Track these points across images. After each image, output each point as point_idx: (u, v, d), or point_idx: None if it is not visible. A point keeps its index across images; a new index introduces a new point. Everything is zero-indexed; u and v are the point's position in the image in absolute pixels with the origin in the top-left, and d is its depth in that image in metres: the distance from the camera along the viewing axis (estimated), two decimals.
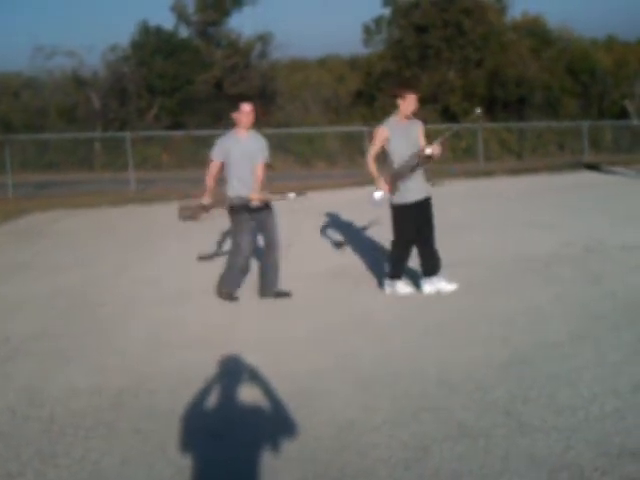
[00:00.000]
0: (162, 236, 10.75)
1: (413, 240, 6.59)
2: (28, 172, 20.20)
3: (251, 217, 6.63)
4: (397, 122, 6.50)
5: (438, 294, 6.58)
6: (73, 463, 3.65)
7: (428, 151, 6.38)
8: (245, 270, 6.85)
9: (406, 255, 6.69)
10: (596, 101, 31.32)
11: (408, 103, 6.42)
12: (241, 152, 6.59)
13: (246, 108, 6.61)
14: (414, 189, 6.48)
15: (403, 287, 6.71)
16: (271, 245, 6.81)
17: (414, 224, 6.52)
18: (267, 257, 6.87)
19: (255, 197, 6.55)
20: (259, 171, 6.64)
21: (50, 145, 22.61)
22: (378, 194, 6.51)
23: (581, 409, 3.92)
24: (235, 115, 6.64)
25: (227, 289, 6.75)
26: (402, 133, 6.45)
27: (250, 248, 6.72)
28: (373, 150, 6.60)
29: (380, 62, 30.97)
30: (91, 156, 23.31)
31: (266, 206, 6.73)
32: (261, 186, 6.64)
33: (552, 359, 4.76)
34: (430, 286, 6.63)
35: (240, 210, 6.59)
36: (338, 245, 9.08)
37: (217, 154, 6.68)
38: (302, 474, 3.42)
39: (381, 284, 6.89)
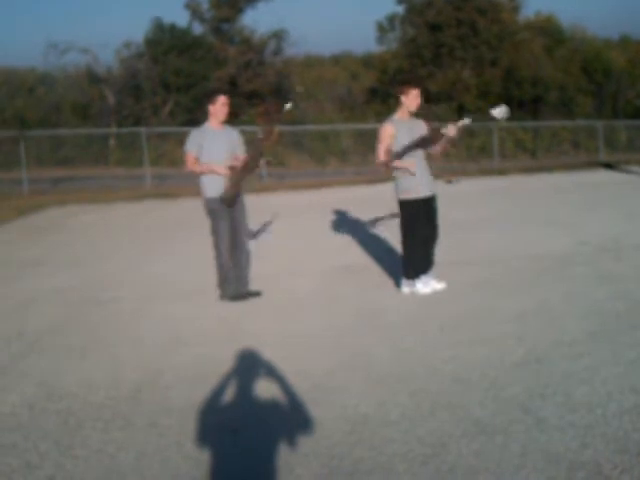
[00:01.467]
0: (177, 232, 10.79)
1: (425, 236, 6.44)
2: (43, 168, 20.33)
3: (229, 216, 6.50)
4: (401, 119, 6.44)
5: (413, 294, 6.56)
6: (90, 455, 3.67)
7: (444, 130, 6.34)
8: (230, 266, 6.60)
9: (419, 253, 6.49)
10: (610, 100, 31.19)
11: (411, 98, 6.36)
12: (219, 145, 6.45)
13: (221, 99, 6.47)
14: (422, 184, 6.40)
15: (423, 287, 6.57)
16: (238, 245, 6.61)
17: (423, 220, 6.41)
18: (232, 257, 6.59)
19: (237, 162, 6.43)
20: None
21: (65, 141, 22.72)
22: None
23: (598, 406, 3.90)
24: (210, 107, 6.48)
25: (228, 292, 6.63)
26: (406, 130, 6.38)
27: (228, 246, 6.54)
28: (383, 147, 6.37)
29: (394, 60, 30.95)
30: (106, 152, 23.44)
31: (239, 202, 6.60)
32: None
33: (567, 357, 4.73)
34: (419, 284, 6.58)
35: (219, 211, 6.47)
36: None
37: (192, 145, 6.49)
38: (317, 469, 3.42)
39: (398, 284, 6.77)
